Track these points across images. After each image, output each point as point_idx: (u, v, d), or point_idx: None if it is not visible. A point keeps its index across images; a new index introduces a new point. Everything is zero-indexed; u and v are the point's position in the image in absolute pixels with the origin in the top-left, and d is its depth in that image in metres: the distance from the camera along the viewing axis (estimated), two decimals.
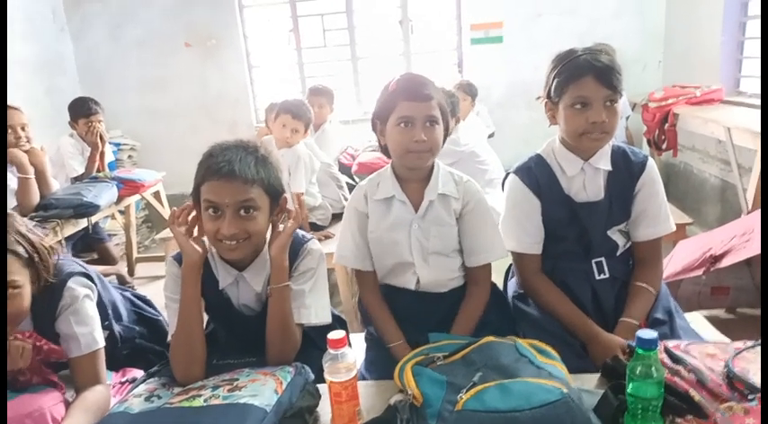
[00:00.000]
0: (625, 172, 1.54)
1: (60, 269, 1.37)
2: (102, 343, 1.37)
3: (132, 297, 1.78)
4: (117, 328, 1.59)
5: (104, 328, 1.45)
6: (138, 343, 1.68)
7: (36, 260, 1.27)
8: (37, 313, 1.32)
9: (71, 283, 1.35)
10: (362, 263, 1.57)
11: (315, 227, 2.88)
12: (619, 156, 1.54)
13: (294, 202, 2.74)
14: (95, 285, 1.44)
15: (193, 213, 1.35)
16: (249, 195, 1.26)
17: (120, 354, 1.60)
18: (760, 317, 2.69)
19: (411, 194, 1.52)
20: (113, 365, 1.54)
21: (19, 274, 1.23)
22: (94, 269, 1.50)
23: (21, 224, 1.29)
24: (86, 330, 1.34)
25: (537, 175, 1.56)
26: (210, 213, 1.27)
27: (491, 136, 4.26)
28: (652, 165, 1.55)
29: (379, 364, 1.48)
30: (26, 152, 2.81)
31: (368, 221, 1.55)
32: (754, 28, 3.73)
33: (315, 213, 2.92)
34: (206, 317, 1.44)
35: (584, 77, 1.42)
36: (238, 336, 1.45)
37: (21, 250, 1.24)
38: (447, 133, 1.50)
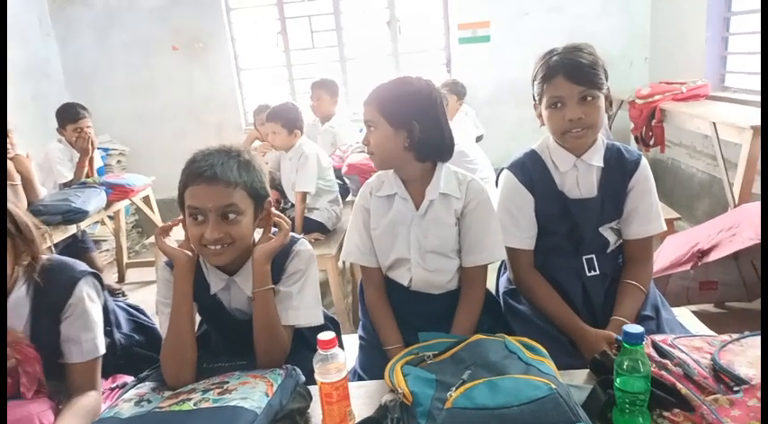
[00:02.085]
0: (618, 170, 1.55)
1: (72, 266, 1.35)
2: (102, 350, 1.36)
3: (126, 306, 1.77)
4: (117, 336, 1.57)
5: (106, 335, 1.43)
6: (135, 351, 1.66)
7: (13, 231, 1.23)
8: (40, 306, 1.29)
9: (83, 283, 1.34)
10: (367, 259, 1.58)
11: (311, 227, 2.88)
12: (613, 154, 1.56)
13: (296, 202, 2.77)
14: (103, 289, 1.43)
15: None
16: (232, 199, 1.25)
17: (116, 361, 1.58)
18: (750, 311, 2.73)
19: (413, 192, 1.53)
20: (106, 372, 1.53)
21: None
22: None
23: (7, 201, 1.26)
24: (90, 336, 1.33)
25: (531, 171, 1.57)
26: (194, 219, 1.26)
27: (479, 138, 4.22)
28: (645, 164, 1.56)
29: (373, 365, 1.48)
30: (11, 159, 2.78)
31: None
32: (738, 24, 3.77)
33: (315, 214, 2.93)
34: (198, 318, 1.43)
35: (555, 77, 1.45)
36: (230, 339, 1.45)
37: None
38: (411, 138, 1.43)
